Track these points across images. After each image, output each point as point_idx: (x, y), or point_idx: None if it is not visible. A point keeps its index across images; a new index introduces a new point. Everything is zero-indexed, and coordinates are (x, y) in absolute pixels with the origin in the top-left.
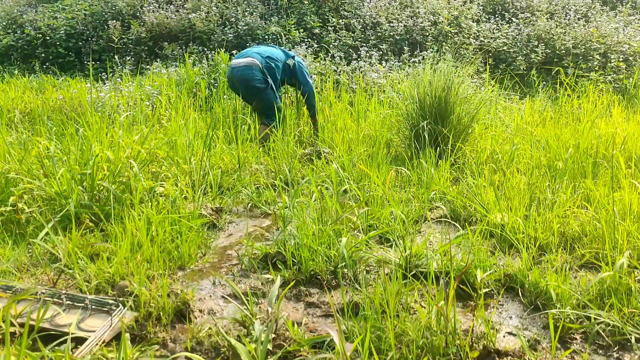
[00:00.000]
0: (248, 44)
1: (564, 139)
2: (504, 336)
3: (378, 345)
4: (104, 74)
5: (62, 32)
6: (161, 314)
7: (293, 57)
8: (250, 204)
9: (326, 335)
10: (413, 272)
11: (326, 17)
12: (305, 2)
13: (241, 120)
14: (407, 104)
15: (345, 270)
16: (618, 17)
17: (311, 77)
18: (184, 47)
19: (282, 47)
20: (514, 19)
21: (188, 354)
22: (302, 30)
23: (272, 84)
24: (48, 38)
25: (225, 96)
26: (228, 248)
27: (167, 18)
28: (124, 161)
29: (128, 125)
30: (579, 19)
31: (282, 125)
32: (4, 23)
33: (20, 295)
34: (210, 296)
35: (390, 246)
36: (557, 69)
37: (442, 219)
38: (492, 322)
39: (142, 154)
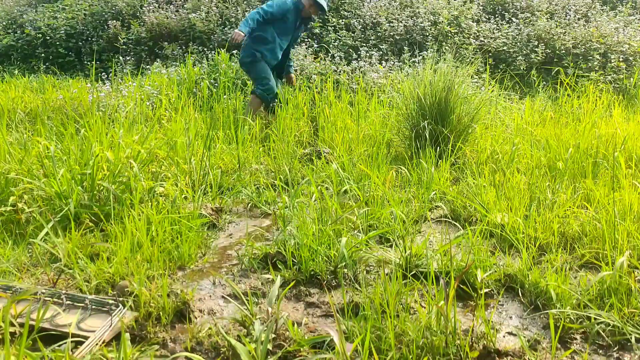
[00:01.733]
0: None
1: (564, 139)
2: (504, 336)
3: (378, 345)
4: (104, 74)
5: (62, 32)
6: (161, 314)
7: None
8: (250, 204)
9: (326, 335)
10: (413, 272)
11: (326, 17)
12: None
13: (241, 120)
14: (407, 104)
15: (345, 270)
16: (618, 17)
17: (264, 12)
18: (184, 47)
19: None
20: (514, 19)
21: (188, 354)
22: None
23: (264, 52)
24: (48, 38)
25: (225, 96)
26: (228, 248)
27: (167, 18)
28: (123, 161)
29: (128, 125)
30: (579, 19)
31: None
32: (4, 23)
33: (20, 295)
34: (210, 296)
35: (390, 246)
36: (557, 69)
37: (442, 219)
38: (492, 322)
39: (142, 154)
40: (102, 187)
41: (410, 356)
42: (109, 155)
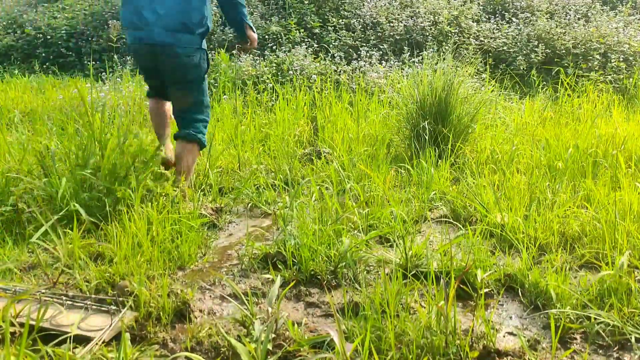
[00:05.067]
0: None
1: (564, 139)
2: (504, 336)
3: (378, 345)
4: (104, 73)
5: (63, 32)
6: (161, 313)
7: None
8: (250, 204)
9: (326, 335)
10: (413, 272)
11: (326, 17)
12: (306, 2)
13: (241, 120)
14: (407, 104)
15: (345, 270)
16: (618, 17)
17: None
18: None
19: None
20: (514, 19)
21: (188, 354)
22: (302, 30)
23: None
24: (48, 38)
25: (225, 96)
26: (228, 248)
27: None
28: (127, 160)
29: (127, 125)
30: (579, 19)
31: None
32: (4, 23)
33: (20, 295)
34: (210, 296)
35: (391, 246)
36: (557, 69)
37: (442, 219)
38: (492, 322)
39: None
40: (102, 187)
41: (410, 356)
42: (112, 157)
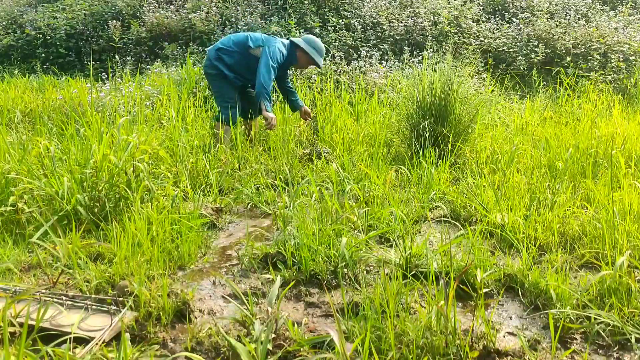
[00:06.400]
0: None
1: (564, 139)
2: (504, 336)
3: (378, 345)
4: (104, 74)
5: (62, 32)
6: (161, 314)
7: (261, 46)
8: (250, 204)
9: (326, 335)
10: (413, 272)
11: (326, 17)
12: (305, 2)
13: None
14: (407, 104)
15: (345, 270)
16: (618, 17)
17: (274, 68)
18: (184, 47)
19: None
20: (514, 19)
21: (188, 354)
22: (302, 30)
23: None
24: (48, 38)
25: None
26: (228, 248)
27: (167, 18)
28: (128, 160)
29: (128, 125)
30: (579, 19)
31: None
32: (4, 23)
33: (20, 295)
34: (210, 296)
35: (390, 246)
36: (557, 69)
37: (442, 219)
38: (492, 322)
39: (138, 153)
40: (102, 188)
41: (410, 356)
42: (112, 157)
